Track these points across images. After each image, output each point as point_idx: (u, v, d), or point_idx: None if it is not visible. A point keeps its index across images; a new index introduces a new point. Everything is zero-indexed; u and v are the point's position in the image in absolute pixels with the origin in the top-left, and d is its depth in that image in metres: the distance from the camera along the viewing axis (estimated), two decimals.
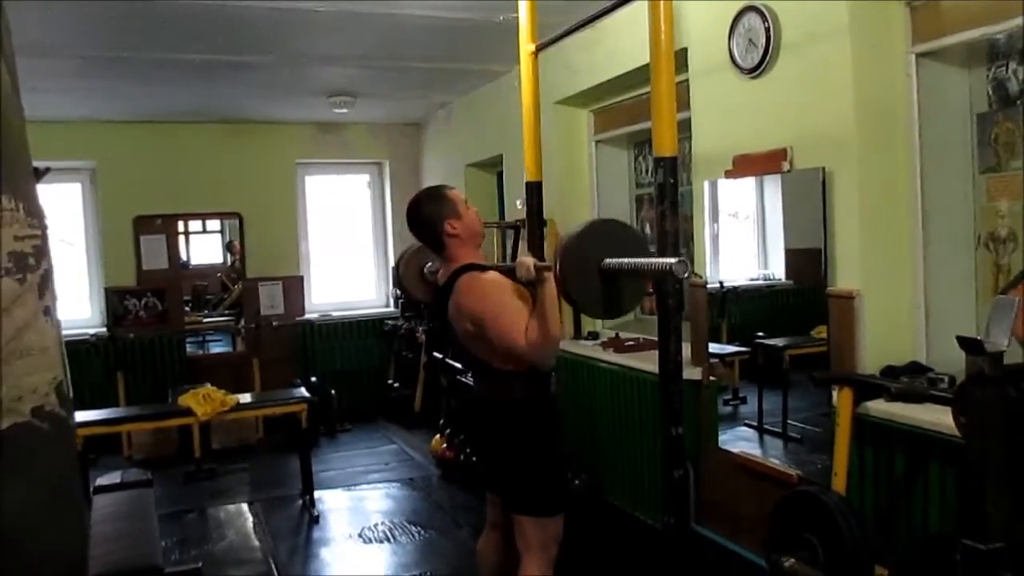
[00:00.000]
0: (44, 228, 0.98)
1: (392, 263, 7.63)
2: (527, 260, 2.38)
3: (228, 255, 7.60)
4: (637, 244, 2.39)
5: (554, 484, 2.66)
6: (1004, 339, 1.77)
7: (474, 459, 4.11)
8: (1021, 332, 2.49)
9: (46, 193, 6.31)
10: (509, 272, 2.50)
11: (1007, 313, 1.79)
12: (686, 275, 2.15)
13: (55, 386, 1.01)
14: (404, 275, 3.08)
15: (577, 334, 4.72)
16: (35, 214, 0.99)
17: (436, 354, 6.05)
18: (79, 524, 1.11)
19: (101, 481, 3.37)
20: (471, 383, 5.25)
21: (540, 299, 2.32)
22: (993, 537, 1.78)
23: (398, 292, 7.31)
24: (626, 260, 2.22)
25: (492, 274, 2.54)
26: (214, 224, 7.67)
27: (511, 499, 2.65)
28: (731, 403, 3.82)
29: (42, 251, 0.97)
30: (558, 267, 2.23)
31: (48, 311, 0.99)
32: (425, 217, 2.59)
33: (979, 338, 1.80)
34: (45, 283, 0.98)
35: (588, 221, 2.35)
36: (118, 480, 3.36)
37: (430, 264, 2.99)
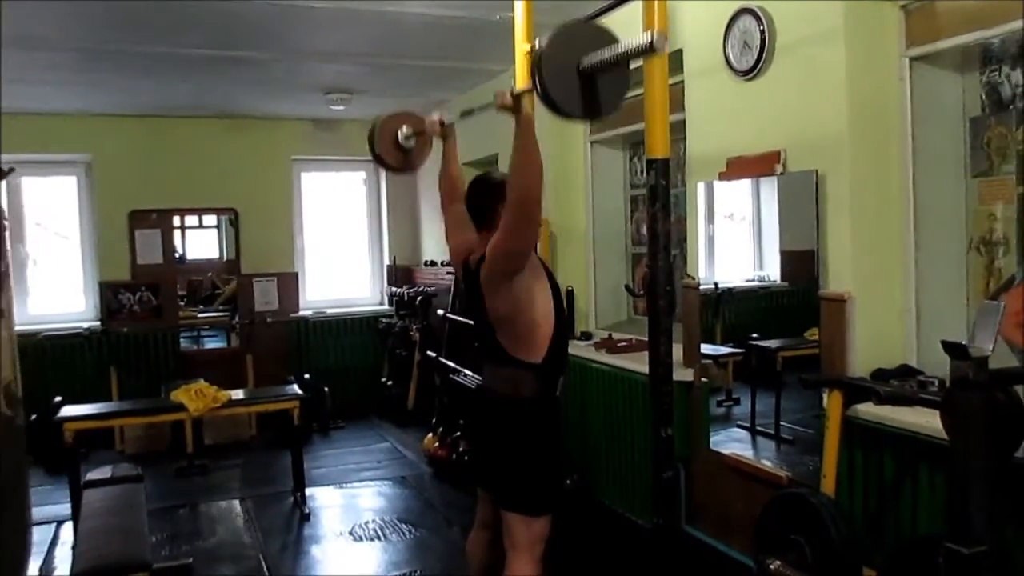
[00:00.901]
0: (3, 229, 0.97)
1: (387, 261, 7.64)
2: (503, 90, 2.33)
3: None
4: (610, 40, 2.25)
5: (550, 484, 2.66)
6: (989, 343, 1.77)
7: (469, 454, 4.08)
8: (1021, 339, 2.50)
9: (41, 186, 6.25)
10: None
11: (992, 318, 1.79)
12: (665, 48, 2.08)
13: (3, 387, 1.01)
14: (378, 140, 3.00)
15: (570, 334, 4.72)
16: None
17: (430, 353, 6.06)
18: (22, 521, 1.11)
19: (92, 476, 3.37)
20: (465, 382, 5.24)
21: (517, 127, 2.27)
22: (976, 541, 1.79)
23: (392, 289, 7.31)
24: (603, 52, 2.14)
25: None
26: (210, 220, 7.65)
27: (504, 496, 2.65)
28: (724, 404, 3.82)
29: None
30: (537, 76, 2.16)
31: (0, 313, 0.99)
32: (487, 194, 2.62)
33: (964, 343, 1.80)
34: None
35: (556, 26, 2.23)
36: (109, 475, 3.36)
37: (404, 128, 2.96)
